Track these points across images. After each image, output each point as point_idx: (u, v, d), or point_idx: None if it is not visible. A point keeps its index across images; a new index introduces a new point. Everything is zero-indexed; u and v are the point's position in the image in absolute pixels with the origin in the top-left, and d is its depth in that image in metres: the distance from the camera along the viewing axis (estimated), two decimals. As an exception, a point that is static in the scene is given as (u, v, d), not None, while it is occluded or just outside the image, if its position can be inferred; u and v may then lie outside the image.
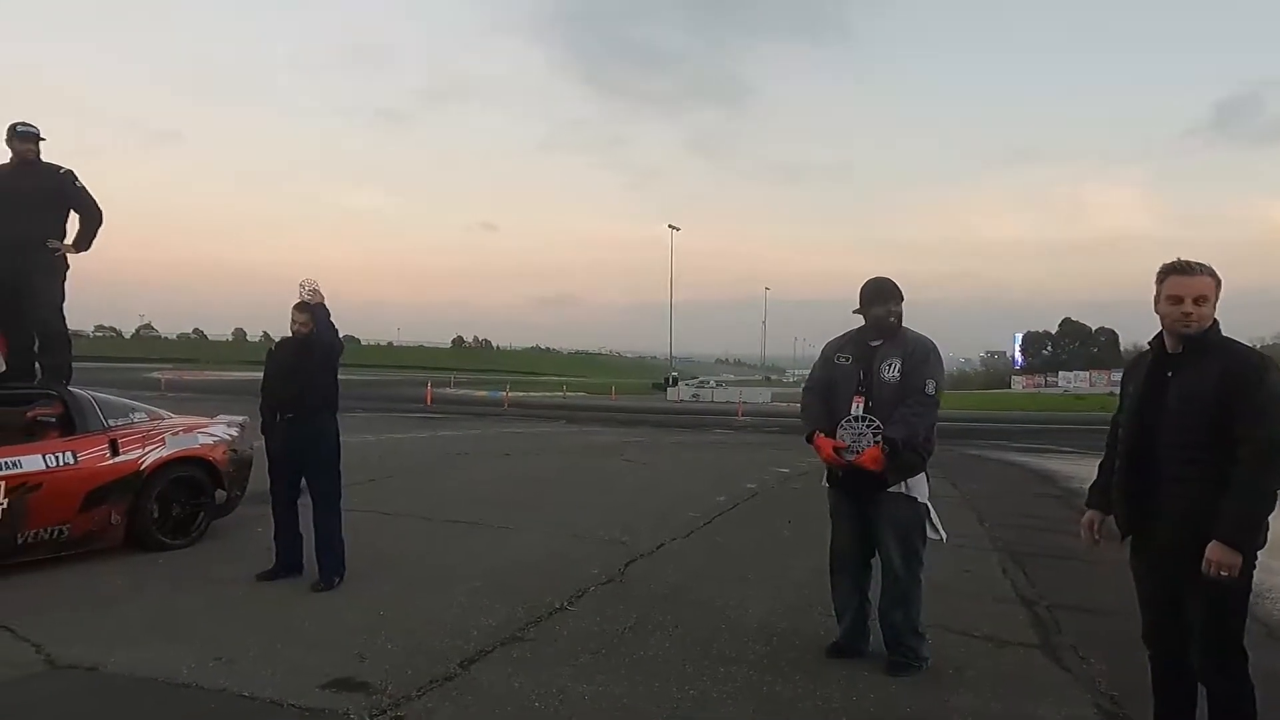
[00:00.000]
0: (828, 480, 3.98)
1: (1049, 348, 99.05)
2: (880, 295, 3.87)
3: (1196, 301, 2.61)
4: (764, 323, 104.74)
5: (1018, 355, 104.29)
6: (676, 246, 67.88)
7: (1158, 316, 2.73)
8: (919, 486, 3.82)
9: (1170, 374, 2.68)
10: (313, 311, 5.07)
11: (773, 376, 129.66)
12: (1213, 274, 2.65)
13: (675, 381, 59.67)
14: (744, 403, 37.23)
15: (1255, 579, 2.66)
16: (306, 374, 5.09)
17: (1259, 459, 2.48)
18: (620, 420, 26.22)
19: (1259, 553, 2.61)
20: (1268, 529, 2.60)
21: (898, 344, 3.84)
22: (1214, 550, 2.48)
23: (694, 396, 51.18)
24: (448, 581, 5.13)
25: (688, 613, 4.62)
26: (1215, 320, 2.67)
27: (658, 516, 7.62)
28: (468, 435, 17.63)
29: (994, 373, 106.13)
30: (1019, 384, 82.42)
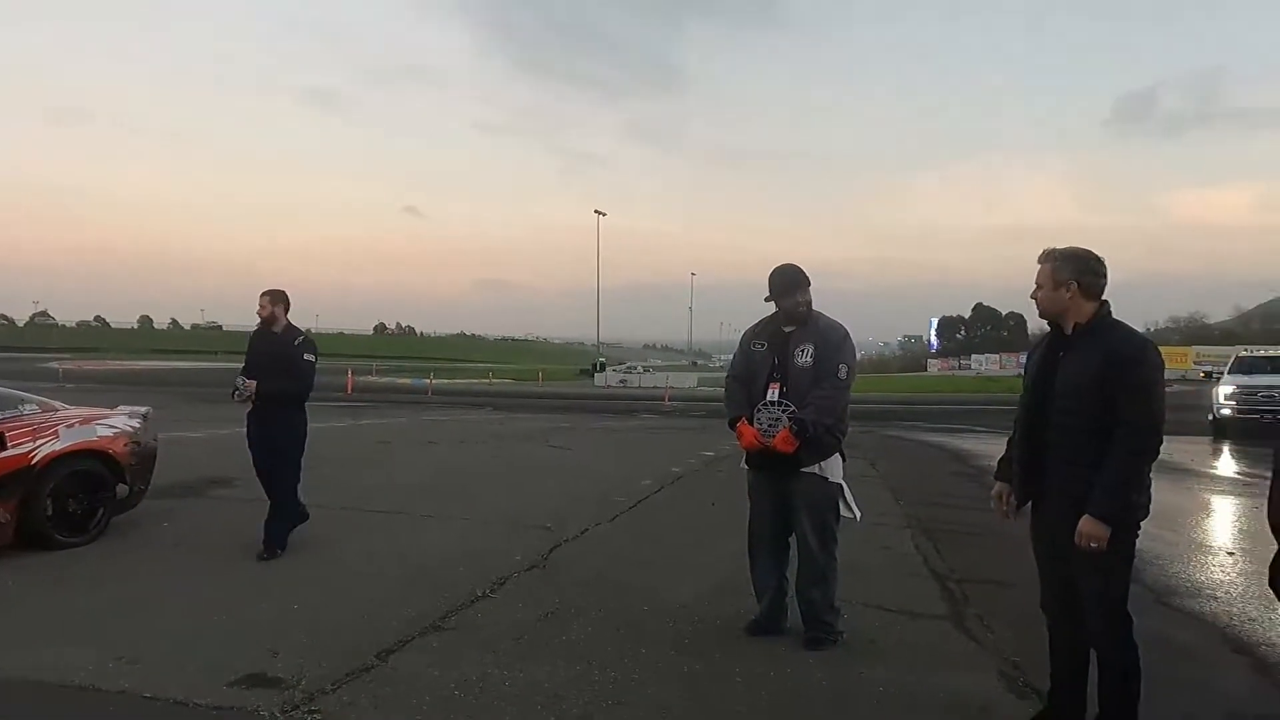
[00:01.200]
0: (746, 462, 4.06)
1: (962, 332, 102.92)
2: (788, 284, 3.96)
3: (1036, 286, 2.87)
4: (691, 308, 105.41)
5: (933, 339, 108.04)
6: (608, 232, 67.93)
7: None
8: (833, 467, 3.93)
9: (1062, 354, 2.83)
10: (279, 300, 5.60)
11: (699, 362, 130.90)
12: (1052, 265, 2.83)
13: (603, 367, 59.58)
14: (671, 388, 37.52)
15: (1144, 547, 2.83)
16: (278, 367, 5.48)
17: (1133, 437, 2.63)
18: (547, 407, 26.10)
19: (1142, 523, 2.77)
20: (1149, 500, 2.75)
21: (811, 330, 3.94)
22: (1084, 523, 2.63)
23: (622, 382, 51.24)
24: (366, 573, 5.03)
25: (611, 596, 4.63)
26: (1105, 302, 2.82)
27: (583, 502, 7.62)
28: (391, 424, 17.28)
29: (911, 356, 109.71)
30: (935, 367, 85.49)
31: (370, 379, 44.71)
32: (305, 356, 5.56)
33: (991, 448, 12.76)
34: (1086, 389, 2.70)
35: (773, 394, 3.88)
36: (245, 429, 5.58)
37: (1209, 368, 39.77)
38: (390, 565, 5.19)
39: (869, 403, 27.85)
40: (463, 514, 6.99)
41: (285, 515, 5.50)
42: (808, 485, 3.89)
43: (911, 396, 34.88)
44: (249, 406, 5.47)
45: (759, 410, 3.89)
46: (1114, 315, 2.83)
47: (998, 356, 71.66)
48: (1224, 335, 69.32)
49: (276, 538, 5.42)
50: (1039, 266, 2.87)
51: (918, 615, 4.45)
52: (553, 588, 4.78)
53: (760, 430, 3.86)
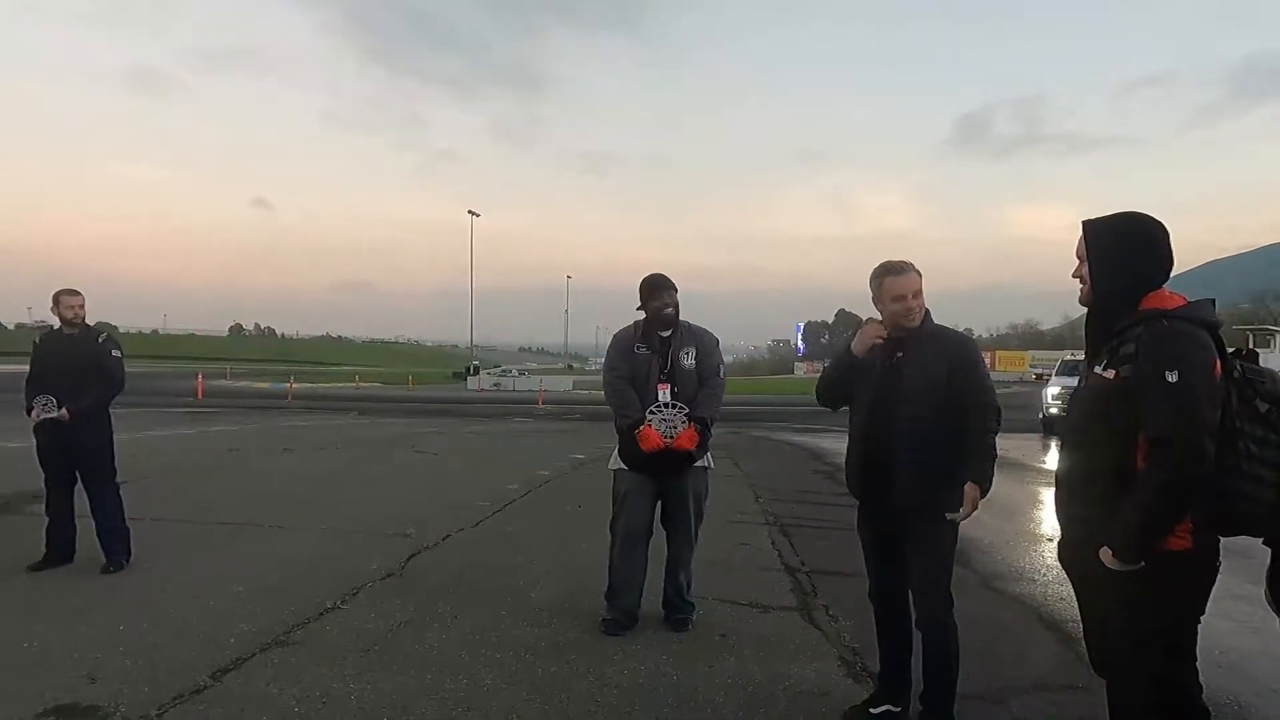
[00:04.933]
0: (627, 463, 4.13)
1: (826, 336, 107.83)
2: (657, 289, 4.14)
3: (914, 296, 2.98)
4: (567, 311, 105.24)
5: (800, 343, 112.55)
6: (479, 233, 66.60)
7: (879, 313, 3.06)
8: (708, 456, 4.26)
9: (900, 354, 3.01)
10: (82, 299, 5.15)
11: (575, 365, 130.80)
12: (917, 270, 3.02)
13: (476, 370, 58.56)
14: (545, 391, 37.36)
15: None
16: (81, 367, 5.08)
17: (983, 420, 2.91)
18: (417, 411, 25.37)
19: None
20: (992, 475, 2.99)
21: (689, 335, 4.20)
22: (970, 489, 2.82)
23: (495, 385, 50.55)
24: (206, 587, 4.72)
25: (469, 602, 4.56)
26: (927, 309, 3.03)
27: (446, 508, 7.46)
28: (244, 430, 16.31)
29: (780, 359, 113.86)
30: (801, 370, 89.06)
31: (224, 383, 42.09)
32: (114, 353, 5.24)
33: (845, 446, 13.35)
34: (933, 388, 2.90)
35: (664, 395, 4.09)
36: (36, 443, 5.15)
37: (1041, 369, 43.31)
38: (232, 579, 4.90)
39: (738, 404, 28.68)
40: (317, 523, 6.68)
41: (118, 523, 5.18)
42: (695, 478, 4.19)
43: (778, 398, 36.18)
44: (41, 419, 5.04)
45: (651, 413, 4.06)
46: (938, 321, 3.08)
47: (858, 360, 75.27)
48: (1055, 340, 75.90)
49: (121, 549, 5.14)
50: (912, 276, 2.98)
51: (768, 608, 4.62)
52: (408, 596, 4.65)
53: (659, 432, 4.03)
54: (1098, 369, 2.17)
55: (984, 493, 2.88)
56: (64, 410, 4.99)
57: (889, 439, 2.96)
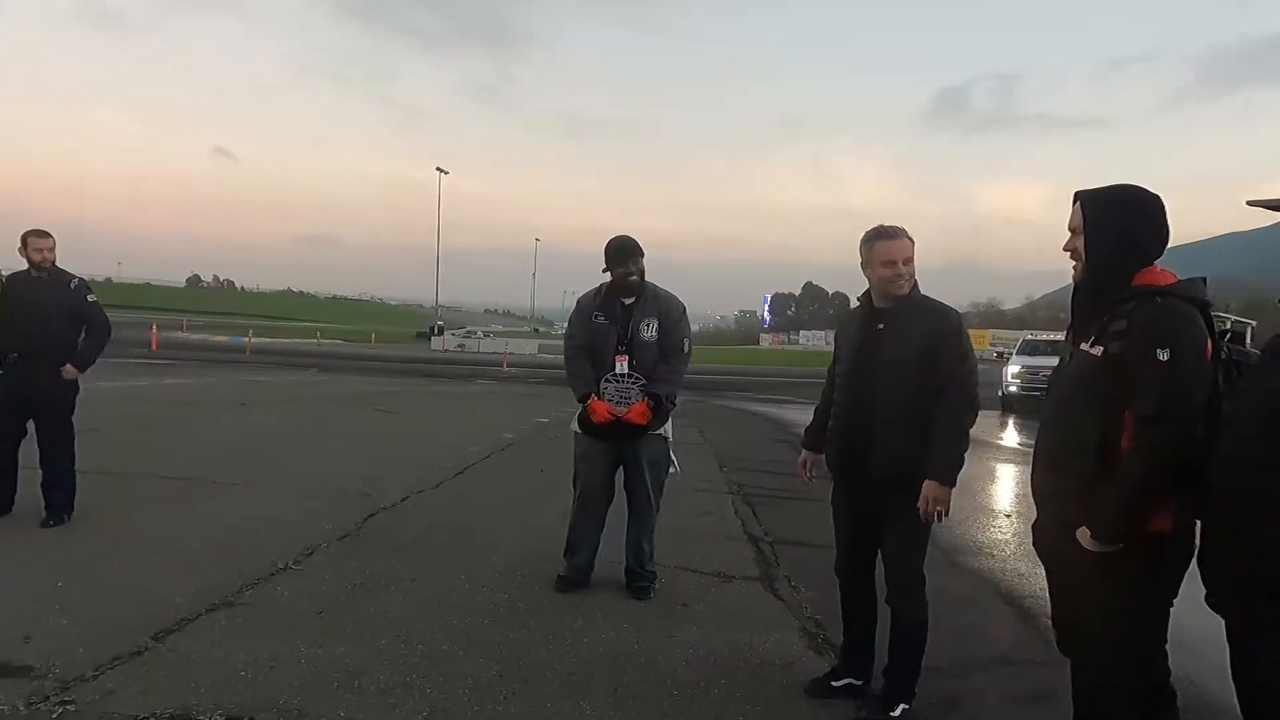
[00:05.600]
0: (582, 428, 4.08)
1: (793, 308, 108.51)
2: (622, 255, 3.99)
3: (905, 263, 2.86)
4: (534, 275, 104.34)
5: (766, 314, 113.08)
6: (448, 191, 65.38)
7: (867, 278, 2.95)
8: (667, 426, 4.17)
9: (882, 327, 2.91)
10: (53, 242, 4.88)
11: (540, 328, 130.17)
12: (910, 236, 2.91)
13: (441, 331, 57.83)
14: (510, 354, 37.03)
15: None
16: (49, 313, 4.82)
17: (961, 399, 2.80)
18: (379, 370, 25.03)
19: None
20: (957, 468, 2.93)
21: (652, 303, 4.03)
22: (929, 487, 2.74)
23: (460, 346, 49.99)
24: (153, 545, 4.56)
25: (427, 566, 4.46)
26: (914, 280, 2.95)
27: (407, 468, 7.33)
28: (199, 384, 15.94)
29: (746, 330, 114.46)
30: (766, 341, 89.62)
31: (180, 335, 41.11)
32: (90, 299, 5.03)
33: (810, 417, 13.41)
34: (914, 361, 2.79)
35: (621, 366, 3.98)
36: None
37: (1002, 349, 44.04)
38: (181, 537, 4.74)
39: (703, 373, 28.71)
40: (272, 481, 6.51)
41: (68, 476, 4.98)
42: (649, 443, 4.08)
43: (743, 368, 36.30)
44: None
45: (606, 382, 3.98)
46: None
47: (823, 333, 76.05)
48: (1015, 320, 77.27)
49: (64, 502, 4.94)
50: (904, 242, 2.86)
51: (731, 578, 4.59)
52: (364, 558, 4.54)
53: (611, 403, 3.97)
54: (1084, 345, 2.11)
55: (947, 490, 2.75)
56: (68, 366, 4.85)
57: (868, 413, 2.88)
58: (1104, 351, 2.03)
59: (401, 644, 3.37)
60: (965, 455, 2.84)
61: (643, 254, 4.03)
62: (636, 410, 3.93)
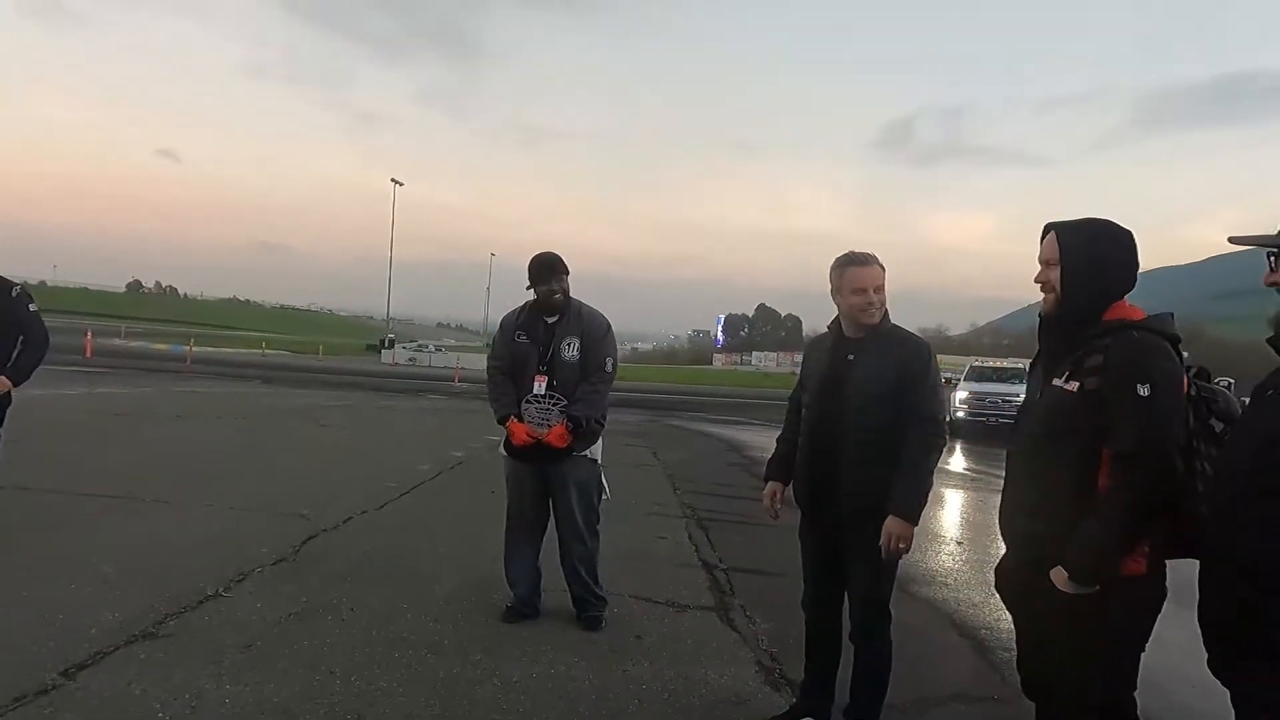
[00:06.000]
0: (507, 450, 3.98)
1: (746, 330, 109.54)
2: (545, 272, 3.88)
3: (876, 290, 2.79)
4: (488, 289, 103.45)
5: (719, 335, 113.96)
6: (405, 202, 64.48)
7: (837, 305, 2.87)
8: (597, 448, 4.02)
9: (851, 357, 2.83)
10: None
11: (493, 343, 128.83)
12: (881, 264, 2.84)
13: (392, 344, 56.93)
14: (462, 368, 36.49)
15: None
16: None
17: (926, 436, 2.71)
18: (326, 383, 24.39)
19: None
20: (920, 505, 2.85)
21: (574, 322, 3.91)
22: (891, 524, 2.65)
23: (411, 360, 49.22)
24: (71, 569, 4.24)
25: (367, 593, 4.24)
26: (885, 309, 2.88)
27: (350, 488, 7.06)
28: (135, 393, 15.31)
29: (699, 350, 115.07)
30: (719, 361, 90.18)
31: (117, 342, 39.65)
32: (31, 308, 4.73)
33: (765, 439, 13.47)
34: (882, 393, 2.71)
35: (539, 387, 3.85)
36: None
37: (949, 374, 44.98)
38: (103, 560, 4.43)
39: (657, 393, 28.71)
40: (205, 500, 6.19)
41: None
42: (575, 466, 3.93)
43: (696, 389, 36.38)
44: None
45: (527, 403, 3.87)
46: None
47: (775, 355, 76.86)
48: (961, 346, 78.99)
49: None
50: (876, 269, 2.79)
51: (685, 607, 4.46)
52: (300, 584, 4.30)
53: (531, 424, 3.85)
54: (1057, 381, 2.05)
55: (910, 527, 2.67)
56: (2, 379, 4.52)
57: (837, 445, 2.79)
58: (1080, 387, 1.97)
59: (336, 680, 3.16)
60: (929, 492, 2.77)
61: (567, 271, 3.93)
62: (555, 433, 3.79)
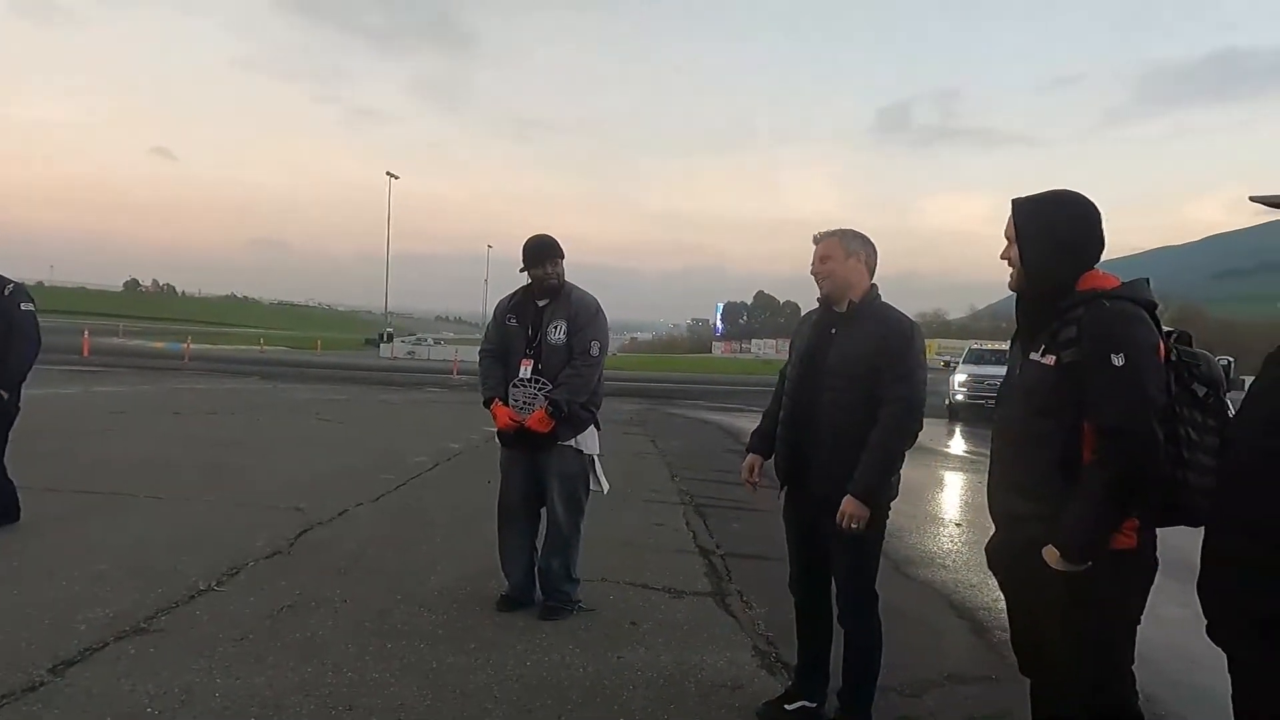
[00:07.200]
0: (499, 438, 3.97)
1: (745, 317, 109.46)
2: (539, 255, 3.86)
3: (822, 260, 2.84)
4: (486, 281, 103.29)
5: (719, 323, 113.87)
6: (400, 195, 64.22)
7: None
8: (588, 440, 3.94)
9: (834, 330, 2.82)
10: None
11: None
12: (839, 236, 2.85)
13: (390, 338, 56.82)
14: (460, 361, 36.44)
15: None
16: None
17: (896, 419, 2.67)
18: (324, 377, 24.34)
19: (892, 503, 2.85)
20: (899, 481, 2.83)
21: (563, 305, 3.86)
22: (846, 502, 2.64)
23: (410, 354, 49.16)
24: (61, 566, 4.23)
25: (361, 585, 4.22)
26: (874, 285, 2.86)
27: (346, 480, 7.04)
28: (132, 391, 15.28)
29: (699, 338, 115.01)
30: (719, 349, 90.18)
31: (114, 341, 39.59)
32: (24, 307, 4.71)
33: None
34: (859, 370, 2.70)
35: (525, 371, 3.82)
36: None
37: (948, 358, 44.92)
38: (94, 556, 4.41)
39: (656, 381, 28.70)
40: (200, 495, 6.17)
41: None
42: (561, 458, 3.89)
43: (696, 376, 36.33)
44: None
45: (513, 387, 3.84)
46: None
47: (775, 341, 76.80)
48: (960, 330, 79.01)
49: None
50: (822, 243, 2.85)
51: (681, 593, 4.44)
52: (294, 577, 4.28)
53: (515, 408, 3.83)
54: (1034, 355, 2.02)
55: (865, 509, 2.64)
56: None
57: (812, 419, 2.78)
58: (1057, 361, 1.94)
59: (328, 672, 3.14)
60: (892, 480, 2.76)
61: (563, 255, 3.89)
62: (535, 417, 3.75)
